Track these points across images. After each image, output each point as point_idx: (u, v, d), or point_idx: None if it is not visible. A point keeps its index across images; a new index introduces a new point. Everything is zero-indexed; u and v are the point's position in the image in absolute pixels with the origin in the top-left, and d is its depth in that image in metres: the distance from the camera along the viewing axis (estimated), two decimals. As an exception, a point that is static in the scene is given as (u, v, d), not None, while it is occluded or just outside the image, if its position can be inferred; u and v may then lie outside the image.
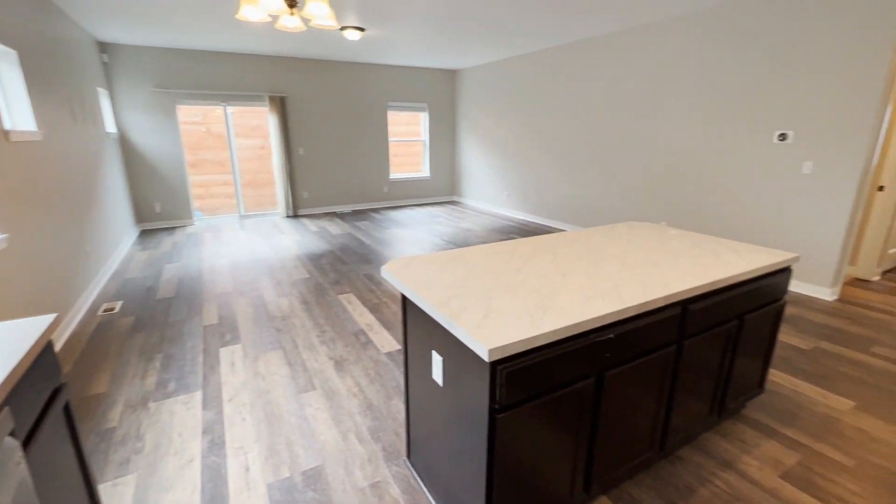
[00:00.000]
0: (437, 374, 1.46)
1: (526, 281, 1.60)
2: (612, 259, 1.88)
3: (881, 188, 4.00)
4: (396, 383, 2.50)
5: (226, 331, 3.17)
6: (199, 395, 2.40)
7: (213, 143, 7.58)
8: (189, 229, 6.42)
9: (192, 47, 6.05)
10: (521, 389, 1.23)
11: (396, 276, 1.63)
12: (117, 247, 4.96)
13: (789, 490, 1.75)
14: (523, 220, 7.02)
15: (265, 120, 7.29)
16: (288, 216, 7.31)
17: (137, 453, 1.97)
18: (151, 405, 2.32)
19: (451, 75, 8.26)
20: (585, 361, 1.36)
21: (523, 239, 2.20)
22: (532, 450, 1.34)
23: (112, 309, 3.55)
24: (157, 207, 6.43)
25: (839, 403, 2.31)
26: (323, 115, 7.30)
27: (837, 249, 3.59)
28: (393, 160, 8.22)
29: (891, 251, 4.30)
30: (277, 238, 5.87)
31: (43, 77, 3.42)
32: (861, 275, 4.20)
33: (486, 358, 1.13)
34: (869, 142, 3.33)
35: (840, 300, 3.67)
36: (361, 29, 4.99)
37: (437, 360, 1.45)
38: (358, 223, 6.81)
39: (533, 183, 6.80)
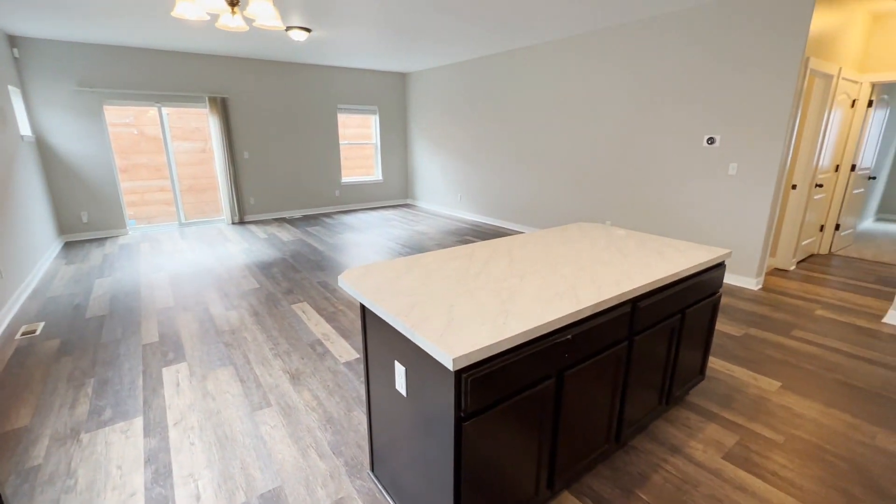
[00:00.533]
0: (401, 385, 1.44)
1: (485, 285, 1.62)
2: (566, 260, 1.95)
3: (794, 187, 4.44)
4: (357, 394, 2.45)
5: (168, 349, 2.95)
6: (139, 421, 2.22)
7: (147, 147, 7.07)
8: (122, 240, 5.93)
9: (120, 43, 5.61)
10: (486, 395, 1.25)
11: (355, 287, 1.60)
12: (36, 262, 4.49)
13: (730, 469, 1.90)
14: (477, 221, 7.13)
15: (206, 122, 6.90)
16: (234, 223, 6.95)
17: (69, 492, 1.79)
18: (84, 436, 2.11)
19: (401, 78, 8.23)
20: (546, 363, 1.40)
21: (481, 242, 2.23)
22: (497, 453, 1.36)
23: (33, 331, 3.21)
24: (84, 217, 5.89)
25: (768, 384, 2.53)
26: (269, 118, 7.01)
27: (760, 243, 3.94)
28: (344, 163, 8.05)
29: (804, 243, 4.79)
30: (223, 246, 5.56)
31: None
32: (780, 265, 4.64)
33: (450, 367, 1.13)
34: (783, 145, 3.69)
35: (764, 289, 4.03)
36: (308, 30, 4.85)
37: (399, 370, 1.43)
38: (309, 229, 6.60)
39: (485, 185, 6.92)
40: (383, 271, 1.77)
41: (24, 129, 5.19)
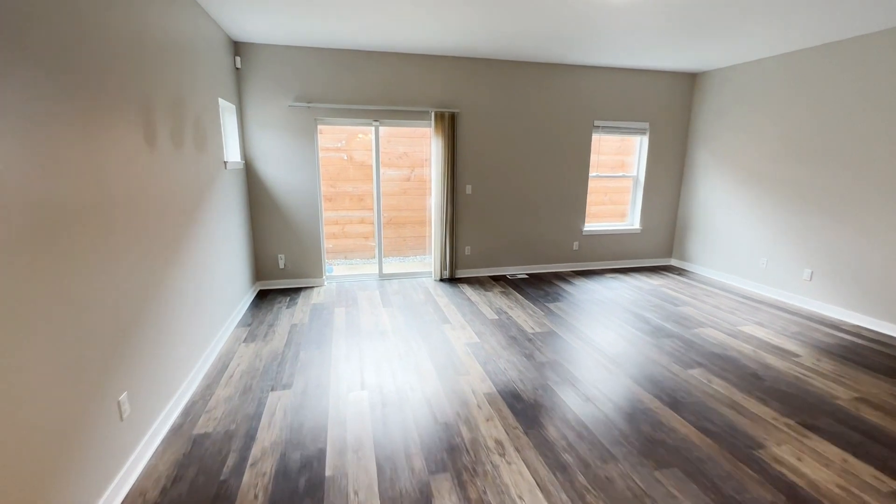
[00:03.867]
0: None
1: None
2: None
3: None
4: None
5: None
6: None
7: (354, 174, 5.94)
8: (316, 294, 4.59)
9: (340, 45, 4.31)
10: None
11: None
12: (224, 322, 3.17)
13: None
14: (846, 322, 3.81)
15: (417, 145, 5.39)
16: (442, 279, 5.16)
17: None
18: None
19: (686, 81, 5.47)
20: None
21: None
22: None
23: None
24: (281, 261, 4.76)
25: None
26: (503, 139, 5.08)
27: None
28: (589, 204, 5.65)
29: None
30: (439, 332, 3.63)
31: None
32: None
33: None
34: None
35: None
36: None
37: None
38: (548, 302, 4.32)
39: (865, 255, 3.61)
40: None
41: (233, 153, 4.19)
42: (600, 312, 4.10)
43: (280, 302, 4.34)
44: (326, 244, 5.21)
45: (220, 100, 3.67)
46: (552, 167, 5.30)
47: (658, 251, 5.95)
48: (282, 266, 4.77)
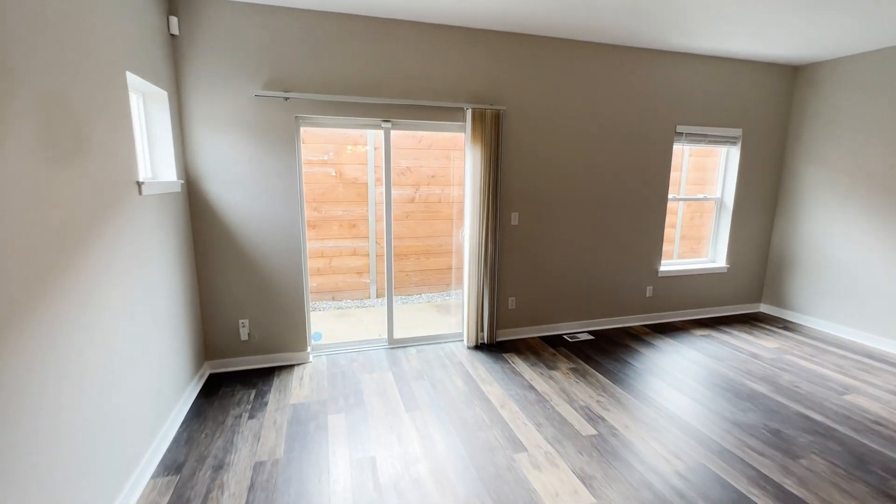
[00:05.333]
0: None
1: None
2: None
3: None
4: None
5: None
6: None
7: (344, 194, 4.50)
8: (297, 380, 2.99)
9: (334, 5, 2.84)
10: None
11: None
12: (126, 478, 1.57)
13: None
14: None
15: (424, 159, 4.10)
16: (478, 345, 3.65)
17: None
18: None
19: (785, 75, 4.20)
20: None
21: None
22: None
23: None
24: (244, 329, 3.15)
25: None
26: (559, 150, 3.66)
27: None
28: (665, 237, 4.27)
29: None
30: (520, 480, 2.09)
31: None
32: None
33: None
34: None
35: None
36: None
37: None
38: (644, 386, 2.86)
39: None
40: None
41: (164, 168, 2.62)
42: (739, 414, 2.67)
43: (240, 402, 2.73)
44: (311, 283, 3.66)
45: (131, 77, 2.11)
46: (623, 187, 3.90)
47: (744, 295, 4.60)
48: (245, 337, 3.16)
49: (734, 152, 4.26)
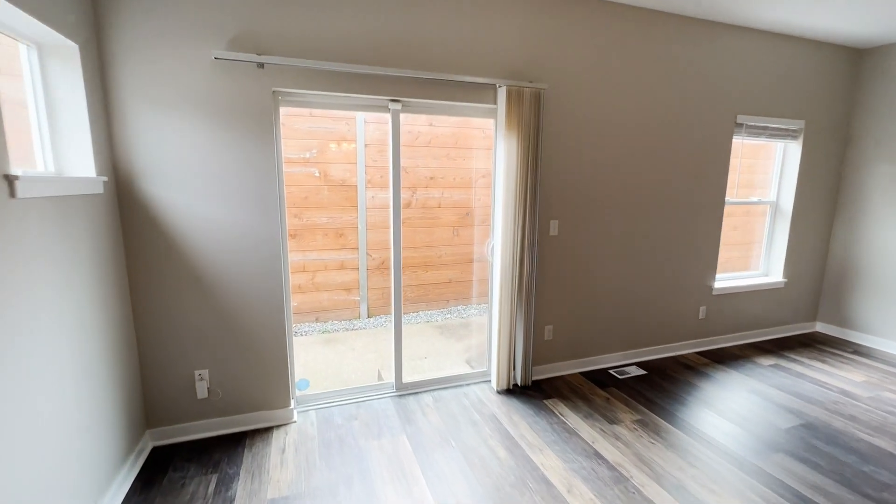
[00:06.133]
0: None
1: None
2: None
3: None
4: None
5: None
6: None
7: (330, 198, 3.71)
8: (276, 452, 2.16)
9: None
10: None
11: None
12: None
13: None
14: None
15: (422, 157, 3.45)
16: (509, 389, 2.88)
17: None
18: None
19: (848, 59, 3.63)
20: None
21: None
22: None
23: None
24: (202, 384, 2.29)
25: None
26: (607, 140, 2.95)
27: None
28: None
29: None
30: None
31: None
32: None
33: None
34: None
35: None
36: None
37: None
38: (736, 444, 2.16)
39: None
40: None
41: (71, 160, 1.77)
42: (884, 492, 2.00)
43: (193, 498, 1.88)
44: (293, 302, 2.85)
45: (3, 4, 1.27)
46: (676, 188, 3.22)
47: (800, 313, 4.00)
48: (203, 393, 2.30)
49: (793, 148, 3.65)
